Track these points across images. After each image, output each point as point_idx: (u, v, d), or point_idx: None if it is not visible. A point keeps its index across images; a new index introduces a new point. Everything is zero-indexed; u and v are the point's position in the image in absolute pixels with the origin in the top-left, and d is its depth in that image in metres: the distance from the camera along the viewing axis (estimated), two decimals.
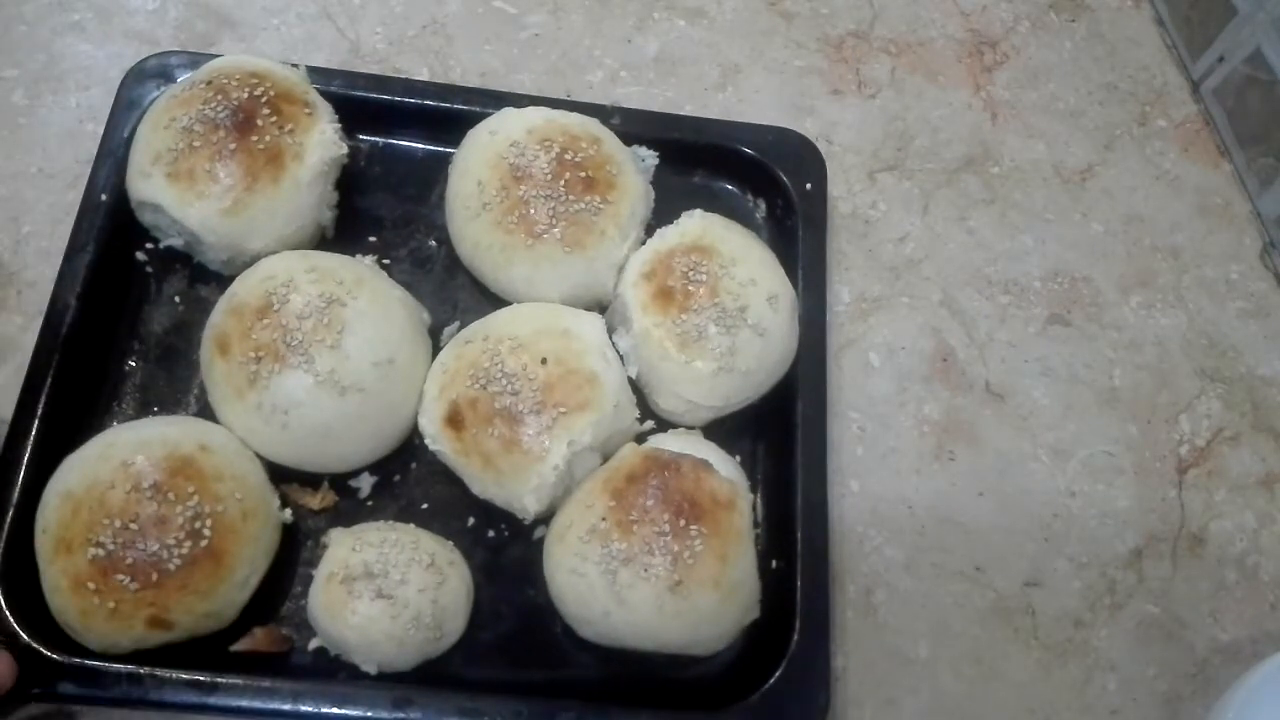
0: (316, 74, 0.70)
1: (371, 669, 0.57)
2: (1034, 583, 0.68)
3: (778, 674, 0.58)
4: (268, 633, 0.59)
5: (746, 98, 0.82)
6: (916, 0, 0.89)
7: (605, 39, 0.83)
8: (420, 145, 0.74)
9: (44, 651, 0.55)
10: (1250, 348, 0.77)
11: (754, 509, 0.62)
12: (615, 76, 0.82)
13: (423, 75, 0.79)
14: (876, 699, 0.63)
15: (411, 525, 0.61)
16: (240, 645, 0.58)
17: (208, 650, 0.57)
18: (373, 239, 0.71)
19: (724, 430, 0.65)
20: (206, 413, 0.62)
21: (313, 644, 0.58)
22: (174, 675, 0.55)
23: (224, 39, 0.78)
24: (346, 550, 0.58)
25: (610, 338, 0.65)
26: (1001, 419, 0.72)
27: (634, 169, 0.69)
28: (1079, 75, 0.87)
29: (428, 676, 0.58)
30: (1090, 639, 0.66)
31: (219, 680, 0.55)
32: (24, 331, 0.66)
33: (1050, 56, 0.88)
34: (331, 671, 0.58)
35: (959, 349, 0.75)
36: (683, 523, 0.57)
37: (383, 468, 0.64)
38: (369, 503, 0.63)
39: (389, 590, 0.56)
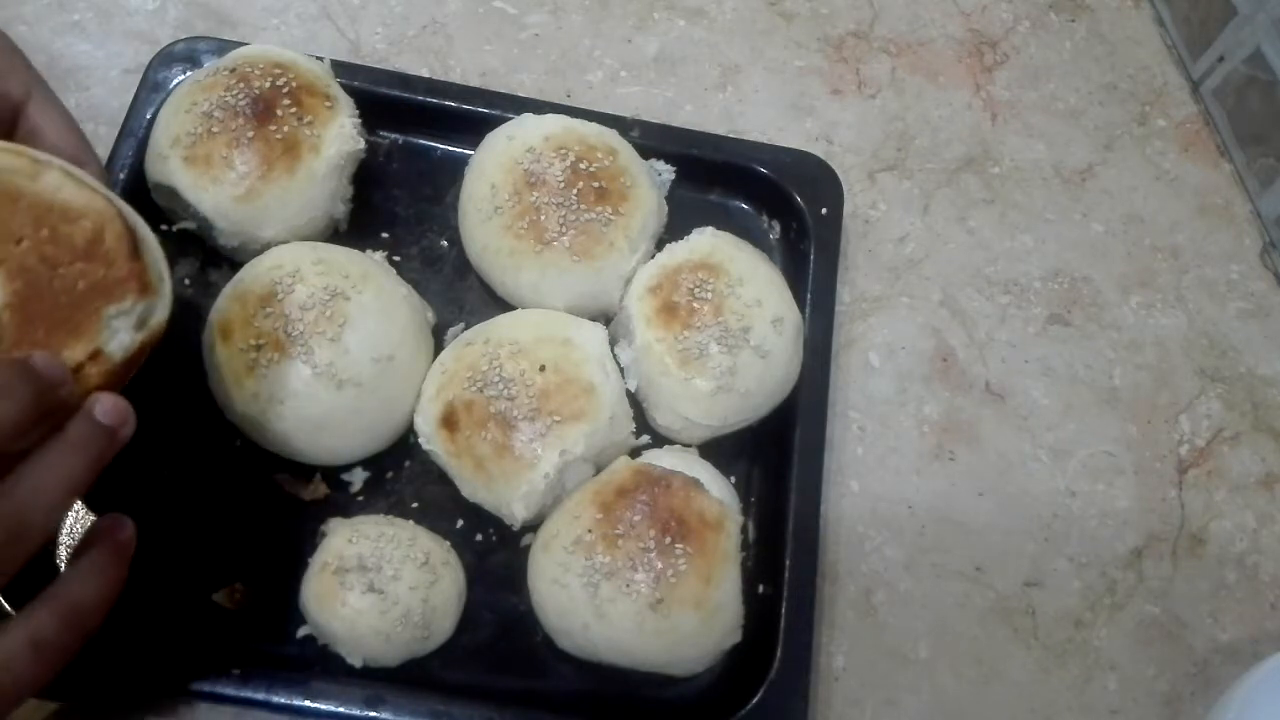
0: (341, 68, 0.70)
1: (357, 662, 0.57)
2: (1034, 583, 0.68)
3: (754, 701, 0.58)
4: (245, 592, 0.60)
5: (746, 97, 0.82)
6: (916, 0, 0.89)
7: (605, 39, 0.83)
8: (440, 145, 0.74)
9: None
10: (1250, 348, 0.77)
11: (744, 532, 0.61)
12: (615, 76, 0.82)
13: (423, 75, 0.79)
14: (876, 699, 0.63)
15: (410, 522, 0.61)
16: (221, 596, 0.59)
17: (189, 599, 0.59)
18: (385, 235, 0.71)
19: (721, 451, 0.65)
20: (205, 395, 0.62)
21: (301, 631, 0.59)
22: (148, 655, 0.56)
23: (224, 39, 0.78)
24: (342, 541, 0.58)
25: (612, 350, 0.65)
26: (1001, 419, 0.72)
27: (648, 182, 0.69)
28: (1079, 75, 0.87)
29: (405, 675, 0.58)
30: (1090, 639, 0.66)
31: (194, 663, 0.56)
32: None
33: (1050, 56, 0.88)
34: (316, 661, 0.58)
35: (959, 349, 0.74)
36: (668, 540, 0.57)
37: (376, 463, 0.64)
38: (360, 497, 0.63)
39: (380, 585, 0.56)
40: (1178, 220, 0.82)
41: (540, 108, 0.71)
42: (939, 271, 0.77)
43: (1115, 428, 0.73)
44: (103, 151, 0.67)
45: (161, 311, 0.49)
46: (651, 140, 0.72)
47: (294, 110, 0.65)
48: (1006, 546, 0.68)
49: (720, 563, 0.58)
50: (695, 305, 0.64)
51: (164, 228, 0.67)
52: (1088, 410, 0.73)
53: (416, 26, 0.82)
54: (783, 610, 0.60)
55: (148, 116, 0.68)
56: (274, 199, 0.64)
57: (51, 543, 0.60)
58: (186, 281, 0.68)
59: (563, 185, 0.66)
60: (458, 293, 0.70)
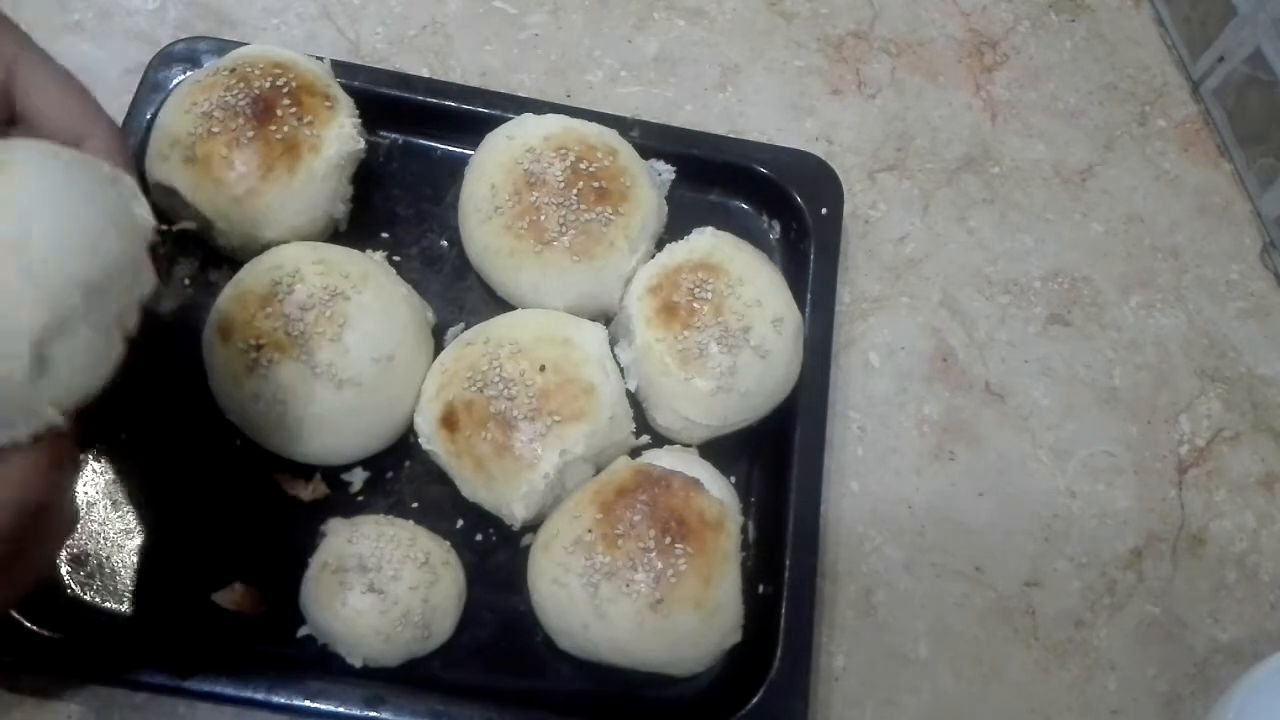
0: (340, 68, 0.70)
1: (357, 662, 0.57)
2: (1034, 583, 0.68)
3: (754, 701, 0.58)
4: (249, 593, 0.59)
5: (746, 98, 0.82)
6: (916, 0, 0.89)
7: (605, 39, 0.83)
8: (440, 145, 0.74)
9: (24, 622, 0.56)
10: (1250, 348, 0.77)
11: (744, 532, 0.61)
12: (615, 76, 0.82)
13: (423, 75, 0.79)
14: (876, 699, 0.63)
15: (410, 522, 0.61)
16: (220, 596, 0.59)
17: (189, 599, 0.59)
18: (385, 235, 0.71)
19: (721, 451, 0.65)
20: (206, 394, 0.62)
21: (301, 631, 0.59)
22: (150, 655, 0.56)
23: (224, 39, 0.78)
24: (342, 541, 0.58)
25: (612, 350, 0.65)
26: (1001, 419, 0.72)
27: (648, 182, 0.69)
28: (1079, 75, 0.87)
29: (405, 675, 0.58)
30: (1090, 639, 0.66)
31: (195, 663, 0.56)
32: None
33: (1050, 56, 0.88)
34: (316, 661, 0.58)
35: (959, 349, 0.74)
36: (668, 540, 0.57)
37: (376, 463, 0.64)
38: (360, 497, 0.63)
39: (380, 585, 0.56)
40: (1178, 220, 0.82)
41: (540, 108, 0.71)
42: (939, 271, 0.77)
43: (1115, 428, 0.73)
44: None
45: None
46: (651, 140, 0.72)
47: (294, 110, 0.65)
48: (1006, 546, 0.68)
49: (720, 562, 0.58)
50: (695, 305, 0.64)
51: (164, 228, 0.67)
52: (1088, 410, 0.73)
53: (416, 26, 0.82)
54: (783, 610, 0.60)
55: (148, 116, 0.68)
56: (274, 199, 0.64)
57: None
58: (186, 281, 0.68)
59: (563, 185, 0.66)
60: (458, 293, 0.70)
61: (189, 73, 0.70)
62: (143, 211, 0.44)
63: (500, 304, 0.68)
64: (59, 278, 0.40)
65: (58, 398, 0.41)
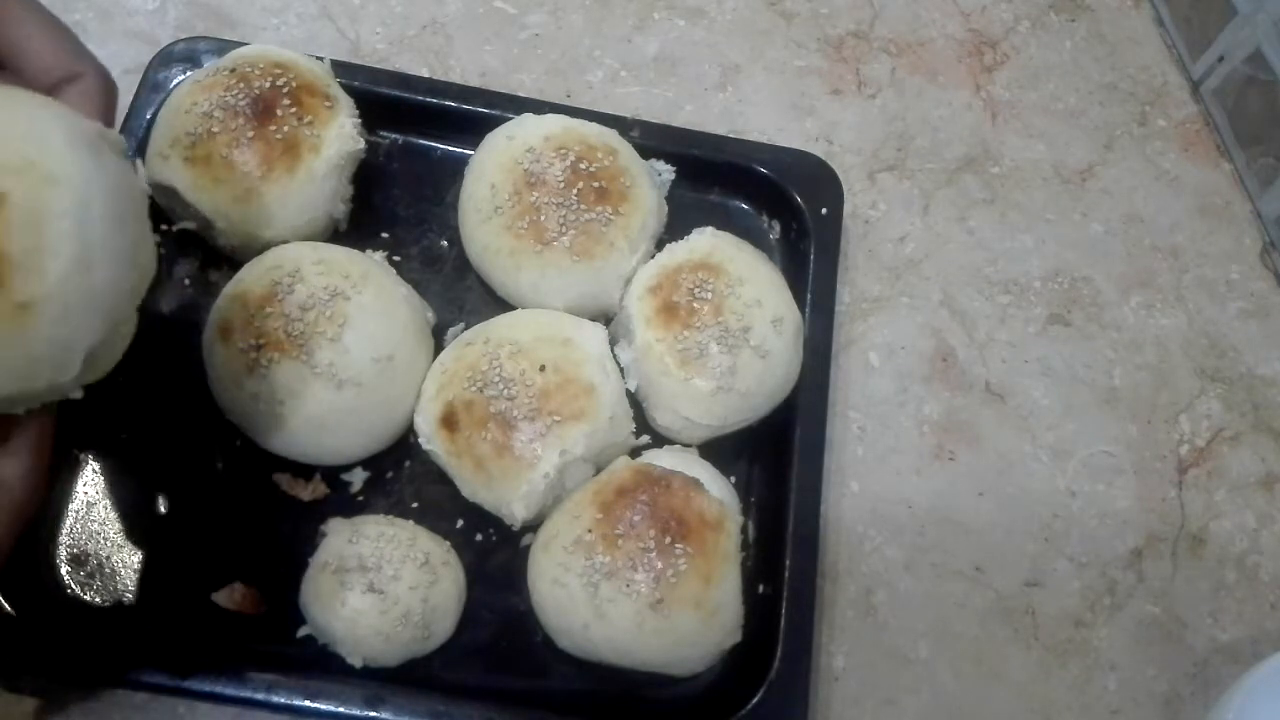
0: (341, 68, 0.70)
1: (357, 662, 0.57)
2: (1034, 583, 0.68)
3: (754, 701, 0.58)
4: (250, 593, 0.59)
5: (746, 98, 0.82)
6: (916, 0, 0.89)
7: (605, 39, 0.83)
8: (440, 145, 0.74)
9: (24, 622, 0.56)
10: (1250, 348, 0.77)
11: (744, 532, 0.61)
12: (615, 76, 0.82)
13: (423, 75, 0.79)
14: (876, 699, 0.63)
15: (410, 522, 0.61)
16: (220, 596, 0.59)
17: (189, 599, 0.59)
18: (385, 235, 0.71)
19: (721, 451, 0.65)
20: (205, 394, 0.62)
21: (301, 631, 0.59)
22: (150, 655, 0.56)
23: (224, 39, 0.78)
24: (342, 541, 0.58)
25: (612, 350, 0.65)
26: (1001, 419, 0.72)
27: (648, 182, 0.69)
28: (1079, 75, 0.87)
29: (405, 675, 0.58)
30: (1090, 639, 0.66)
31: (195, 663, 0.56)
32: None
33: (1050, 56, 0.88)
34: (316, 661, 0.58)
35: (959, 349, 0.75)
36: (668, 540, 0.57)
37: (376, 463, 0.64)
38: (360, 497, 0.63)
39: (381, 585, 0.57)
40: (1178, 220, 0.82)
41: (540, 108, 0.71)
42: (939, 271, 0.77)
43: (1115, 428, 0.73)
44: None
45: None
46: (651, 140, 0.72)
47: (294, 110, 0.65)
48: (1006, 546, 0.68)
49: (720, 562, 0.58)
50: (695, 305, 0.64)
51: (164, 228, 0.67)
52: (1088, 410, 0.74)
53: (416, 26, 0.82)
54: (783, 610, 0.60)
55: (148, 116, 0.68)
56: (274, 199, 0.64)
57: (49, 541, 0.60)
58: (186, 281, 0.68)
59: (563, 185, 0.66)
60: (458, 293, 0.70)
61: (189, 73, 0.70)
62: (141, 180, 0.45)
63: (500, 304, 0.68)
64: (115, 294, 0.42)
65: (87, 381, 0.44)
